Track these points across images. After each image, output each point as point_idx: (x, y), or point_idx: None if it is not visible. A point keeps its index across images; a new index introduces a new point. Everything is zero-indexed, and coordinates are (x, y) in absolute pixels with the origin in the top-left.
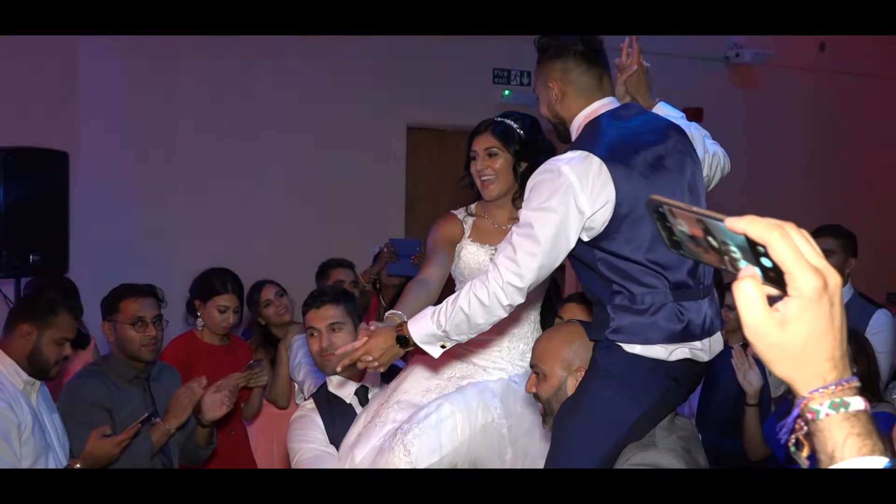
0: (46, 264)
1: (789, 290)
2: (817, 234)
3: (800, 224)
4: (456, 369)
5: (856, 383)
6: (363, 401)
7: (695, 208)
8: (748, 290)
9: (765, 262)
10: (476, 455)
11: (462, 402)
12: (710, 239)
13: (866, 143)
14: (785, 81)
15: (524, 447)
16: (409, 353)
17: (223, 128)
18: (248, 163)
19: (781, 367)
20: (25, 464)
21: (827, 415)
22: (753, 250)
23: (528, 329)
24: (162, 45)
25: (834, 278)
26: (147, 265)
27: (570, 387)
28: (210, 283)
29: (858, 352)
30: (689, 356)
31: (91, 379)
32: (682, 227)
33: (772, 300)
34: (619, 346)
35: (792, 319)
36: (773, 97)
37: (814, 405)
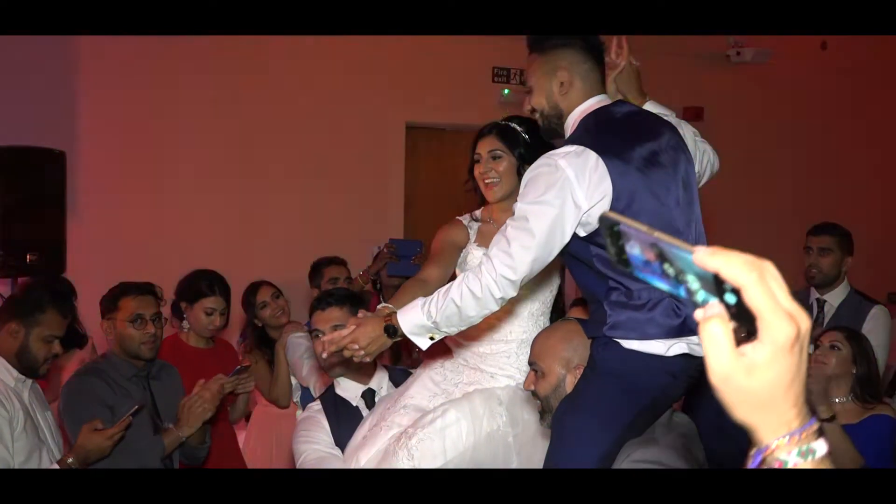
0: (44, 264)
1: (762, 335)
2: (815, 232)
3: (800, 223)
4: (463, 375)
5: (816, 426)
6: (370, 403)
7: (656, 233)
8: (716, 333)
9: (728, 297)
10: (480, 462)
11: (468, 409)
12: (665, 266)
13: (867, 142)
14: (786, 80)
15: (529, 455)
16: (419, 356)
17: (221, 127)
18: (247, 162)
19: (745, 413)
20: (18, 460)
21: (795, 465)
22: (719, 286)
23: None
24: (160, 44)
25: (805, 323)
26: (145, 265)
27: (569, 384)
28: (196, 285)
29: (859, 353)
30: (686, 351)
31: (92, 376)
32: (635, 249)
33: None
34: (617, 343)
35: (762, 367)
36: (773, 96)
37: (780, 455)
